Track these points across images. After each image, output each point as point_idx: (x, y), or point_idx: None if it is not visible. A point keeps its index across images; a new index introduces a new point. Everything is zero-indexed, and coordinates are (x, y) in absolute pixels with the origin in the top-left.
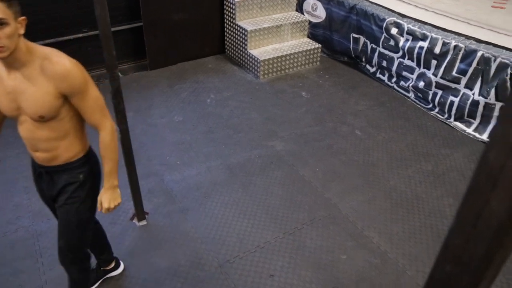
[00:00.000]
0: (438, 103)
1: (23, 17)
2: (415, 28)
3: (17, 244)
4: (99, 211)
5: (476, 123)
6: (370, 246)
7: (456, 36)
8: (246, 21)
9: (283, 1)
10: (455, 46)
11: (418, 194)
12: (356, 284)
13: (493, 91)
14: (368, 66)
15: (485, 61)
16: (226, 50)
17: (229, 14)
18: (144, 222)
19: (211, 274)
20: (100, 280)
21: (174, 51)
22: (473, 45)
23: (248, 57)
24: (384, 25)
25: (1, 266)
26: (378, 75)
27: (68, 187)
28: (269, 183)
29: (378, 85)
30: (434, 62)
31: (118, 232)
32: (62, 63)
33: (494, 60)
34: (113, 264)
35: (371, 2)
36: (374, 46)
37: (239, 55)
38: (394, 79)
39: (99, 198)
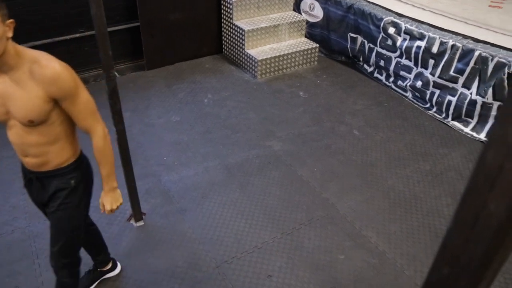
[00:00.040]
0: (436, 102)
1: (11, 20)
2: (413, 27)
3: (14, 246)
4: (102, 213)
5: (473, 122)
6: (368, 246)
7: (454, 36)
8: (243, 20)
9: (280, 0)
10: (453, 46)
11: (416, 193)
12: (354, 284)
13: (490, 90)
14: (365, 66)
15: (483, 61)
16: (223, 50)
17: (226, 13)
18: (141, 223)
19: (209, 275)
20: (97, 282)
21: (171, 51)
22: (471, 45)
23: (246, 57)
24: (382, 24)
25: None
26: (375, 74)
27: (59, 192)
28: (267, 183)
29: (375, 85)
30: (431, 62)
31: (115, 233)
32: (52, 66)
33: (492, 60)
34: (110, 265)
35: (369, 2)
36: (371, 45)
37: (236, 55)
38: (391, 79)
39: (100, 201)
